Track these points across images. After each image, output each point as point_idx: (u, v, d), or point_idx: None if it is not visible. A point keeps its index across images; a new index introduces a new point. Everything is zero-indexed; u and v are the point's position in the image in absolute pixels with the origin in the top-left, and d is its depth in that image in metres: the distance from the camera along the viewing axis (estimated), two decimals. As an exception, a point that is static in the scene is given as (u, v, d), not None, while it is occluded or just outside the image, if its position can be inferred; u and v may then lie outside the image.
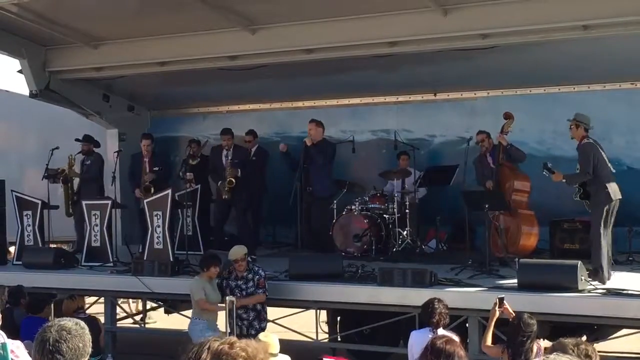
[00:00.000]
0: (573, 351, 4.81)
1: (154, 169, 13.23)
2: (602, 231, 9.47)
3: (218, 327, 9.71)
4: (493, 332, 7.37)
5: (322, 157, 12.33)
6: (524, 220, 10.82)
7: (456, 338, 7.26)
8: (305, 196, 12.18)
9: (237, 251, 9.87)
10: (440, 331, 7.33)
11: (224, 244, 12.94)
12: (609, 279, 9.40)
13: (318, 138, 12.49)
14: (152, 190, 12.65)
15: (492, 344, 7.35)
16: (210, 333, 9.43)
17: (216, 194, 13.67)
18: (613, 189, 9.57)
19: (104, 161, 14.07)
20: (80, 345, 3.49)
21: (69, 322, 3.59)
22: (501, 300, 7.36)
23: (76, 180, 14.16)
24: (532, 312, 7.33)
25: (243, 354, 3.40)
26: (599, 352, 9.67)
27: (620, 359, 10.51)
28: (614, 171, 9.78)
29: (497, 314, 7.32)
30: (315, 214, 12.58)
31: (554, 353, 3.41)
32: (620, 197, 9.69)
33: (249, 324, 9.68)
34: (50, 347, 3.45)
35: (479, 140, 11.56)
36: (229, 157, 13.23)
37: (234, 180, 12.86)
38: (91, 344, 3.57)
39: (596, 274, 9.30)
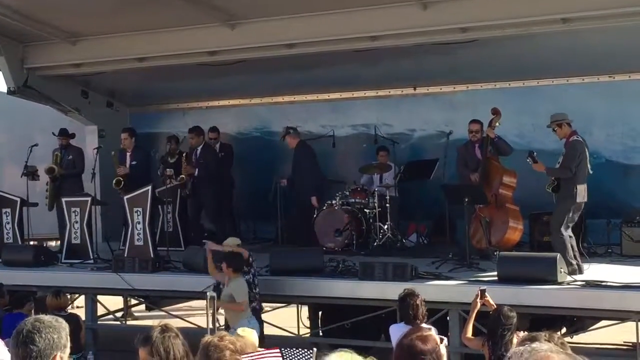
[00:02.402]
0: (549, 341, 4.84)
1: (132, 163, 13.19)
2: (562, 227, 9.55)
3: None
4: (473, 324, 7.39)
5: (301, 162, 12.37)
6: (511, 215, 10.86)
7: (434, 333, 7.29)
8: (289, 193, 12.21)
9: (228, 242, 9.86)
10: (423, 326, 7.38)
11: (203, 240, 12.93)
12: (581, 271, 9.49)
13: (292, 145, 12.56)
14: (122, 183, 12.62)
15: (472, 336, 7.37)
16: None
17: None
18: (582, 191, 9.63)
19: (84, 155, 13.94)
20: (55, 336, 3.47)
21: (45, 317, 3.59)
22: (483, 292, 7.38)
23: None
24: (512, 304, 7.35)
25: (231, 346, 3.46)
26: (578, 343, 9.75)
27: (599, 350, 10.58)
28: (590, 172, 9.84)
29: (478, 305, 7.33)
30: (297, 212, 12.61)
31: (536, 342, 3.42)
32: (586, 201, 9.75)
33: None
34: (24, 338, 3.44)
35: (473, 129, 11.47)
36: (196, 156, 13.22)
37: (184, 177, 12.86)
38: (69, 339, 3.54)
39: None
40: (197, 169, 13.02)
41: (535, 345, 2.36)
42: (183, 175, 12.88)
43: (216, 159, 13.54)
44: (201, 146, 13.35)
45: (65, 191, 13.31)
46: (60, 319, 3.62)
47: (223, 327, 9.32)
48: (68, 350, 3.55)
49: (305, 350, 4.22)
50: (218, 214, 13.38)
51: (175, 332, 4.16)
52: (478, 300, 7.31)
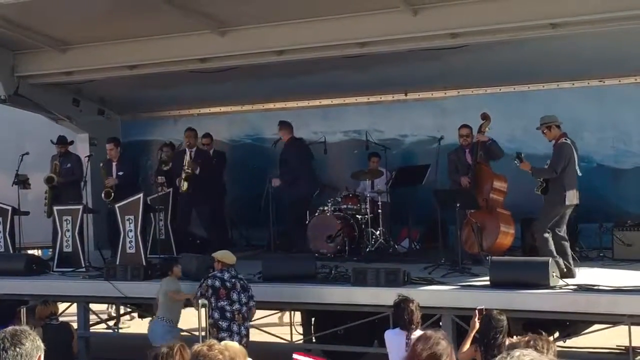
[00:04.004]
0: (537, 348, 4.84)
1: (119, 173, 13.20)
2: (547, 228, 9.59)
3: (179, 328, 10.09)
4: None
5: (287, 160, 12.40)
6: (502, 220, 10.88)
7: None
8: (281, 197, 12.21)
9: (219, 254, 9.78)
10: (417, 332, 7.36)
11: (195, 247, 12.92)
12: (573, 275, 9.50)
13: (285, 138, 12.58)
14: (113, 195, 12.63)
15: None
16: (172, 332, 9.89)
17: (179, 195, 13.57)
18: (571, 194, 9.65)
19: (82, 163, 13.92)
20: (36, 338, 3.59)
21: (19, 326, 3.68)
22: (481, 311, 7.29)
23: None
24: (505, 309, 7.35)
25: (220, 356, 3.45)
26: (571, 347, 9.77)
27: (592, 354, 10.60)
28: (579, 174, 9.86)
29: (477, 326, 7.23)
30: (287, 215, 12.63)
31: (518, 350, 3.42)
32: (577, 203, 9.79)
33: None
34: (12, 341, 3.53)
35: (463, 134, 11.50)
36: (192, 155, 13.17)
37: (190, 171, 12.81)
38: (41, 347, 3.59)
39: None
40: (197, 167, 13.01)
41: (518, 352, 2.34)
42: (188, 170, 12.84)
43: (209, 162, 13.51)
44: (194, 149, 13.34)
45: (64, 199, 13.31)
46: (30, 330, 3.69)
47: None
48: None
49: None
50: (211, 220, 13.35)
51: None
52: (477, 319, 7.22)
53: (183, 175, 12.89)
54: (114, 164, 13.36)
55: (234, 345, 5.97)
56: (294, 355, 4.47)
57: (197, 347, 3.56)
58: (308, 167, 12.84)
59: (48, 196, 13.61)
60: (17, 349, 3.50)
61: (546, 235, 9.56)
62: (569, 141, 9.82)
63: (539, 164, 10.08)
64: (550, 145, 10.09)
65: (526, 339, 5.22)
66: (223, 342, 6.17)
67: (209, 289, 9.27)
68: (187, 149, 13.33)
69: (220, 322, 9.18)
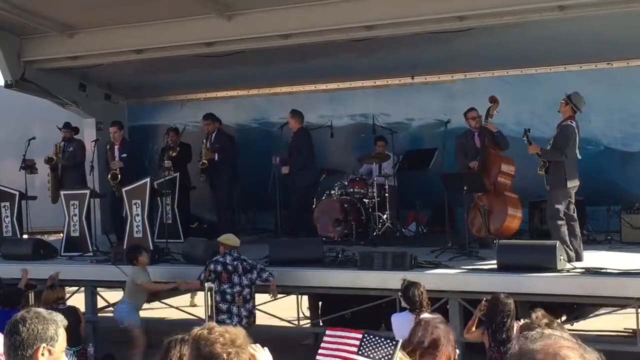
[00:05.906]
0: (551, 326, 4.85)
1: (122, 156, 13.25)
2: (561, 215, 9.55)
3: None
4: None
5: (299, 148, 12.49)
6: (510, 203, 10.85)
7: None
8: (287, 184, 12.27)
9: (222, 237, 9.90)
10: (424, 315, 7.37)
11: (202, 232, 12.93)
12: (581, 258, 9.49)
13: (295, 128, 12.65)
14: (119, 178, 12.68)
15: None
16: (136, 315, 10.45)
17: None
18: (572, 176, 9.63)
19: (85, 148, 13.98)
20: (40, 327, 3.50)
21: (37, 309, 3.63)
22: None
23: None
24: (512, 292, 7.35)
25: (221, 338, 3.44)
26: (578, 330, 9.77)
27: (599, 337, 10.60)
28: (579, 157, 9.83)
29: (484, 308, 7.26)
30: (295, 202, 12.66)
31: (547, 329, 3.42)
32: (578, 184, 9.75)
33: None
34: (10, 328, 3.50)
35: (472, 117, 11.45)
36: (211, 141, 13.19)
37: (206, 162, 12.89)
38: (60, 332, 3.55)
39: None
40: (215, 154, 13.06)
41: (548, 331, 2.35)
42: (205, 161, 12.93)
43: (231, 144, 13.55)
44: (215, 132, 13.37)
45: (67, 183, 13.39)
46: (55, 313, 3.62)
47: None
48: (59, 344, 3.55)
49: (390, 339, 4.14)
50: (227, 203, 13.39)
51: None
52: (484, 302, 7.24)
53: (199, 169, 13.07)
54: (116, 147, 13.43)
55: (234, 328, 6.03)
56: (327, 332, 4.45)
57: (197, 330, 3.55)
58: (313, 156, 12.96)
59: (50, 179, 13.65)
60: (12, 338, 3.48)
61: (560, 222, 9.52)
62: (574, 124, 9.79)
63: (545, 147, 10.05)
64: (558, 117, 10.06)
65: (545, 320, 5.23)
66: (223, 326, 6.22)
67: (211, 274, 9.37)
68: (205, 138, 13.38)
69: (220, 305, 9.28)
